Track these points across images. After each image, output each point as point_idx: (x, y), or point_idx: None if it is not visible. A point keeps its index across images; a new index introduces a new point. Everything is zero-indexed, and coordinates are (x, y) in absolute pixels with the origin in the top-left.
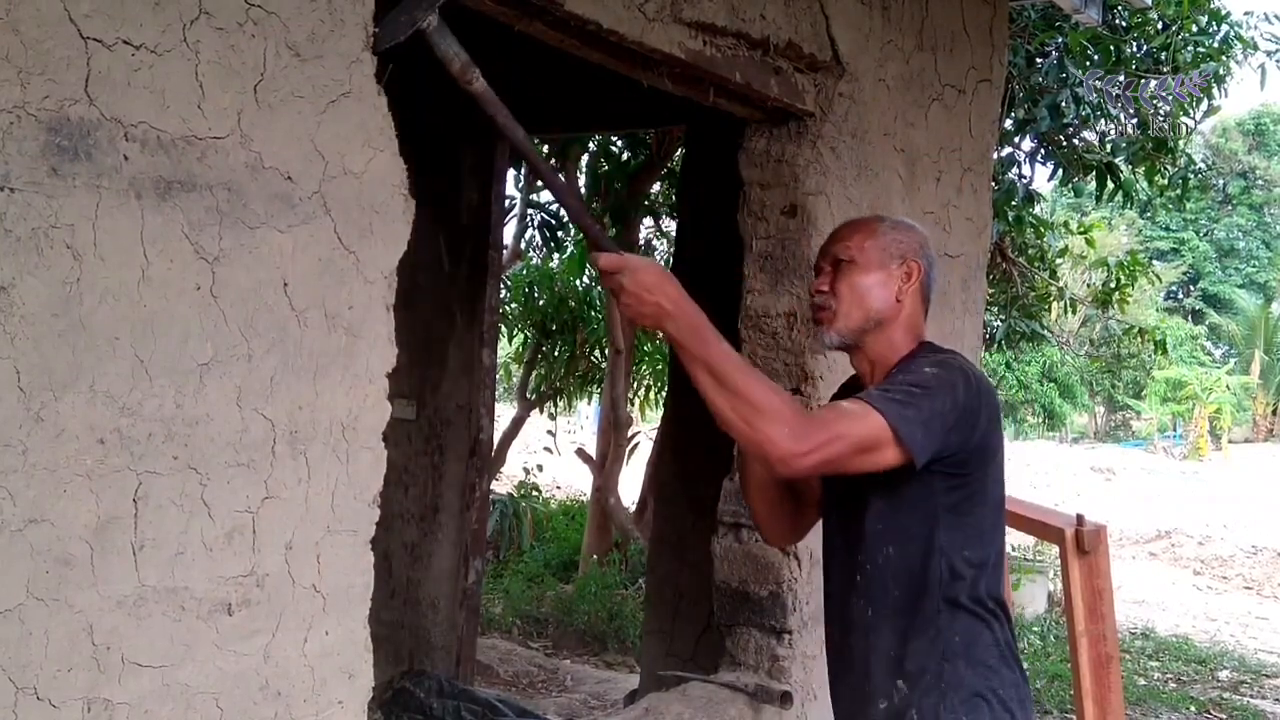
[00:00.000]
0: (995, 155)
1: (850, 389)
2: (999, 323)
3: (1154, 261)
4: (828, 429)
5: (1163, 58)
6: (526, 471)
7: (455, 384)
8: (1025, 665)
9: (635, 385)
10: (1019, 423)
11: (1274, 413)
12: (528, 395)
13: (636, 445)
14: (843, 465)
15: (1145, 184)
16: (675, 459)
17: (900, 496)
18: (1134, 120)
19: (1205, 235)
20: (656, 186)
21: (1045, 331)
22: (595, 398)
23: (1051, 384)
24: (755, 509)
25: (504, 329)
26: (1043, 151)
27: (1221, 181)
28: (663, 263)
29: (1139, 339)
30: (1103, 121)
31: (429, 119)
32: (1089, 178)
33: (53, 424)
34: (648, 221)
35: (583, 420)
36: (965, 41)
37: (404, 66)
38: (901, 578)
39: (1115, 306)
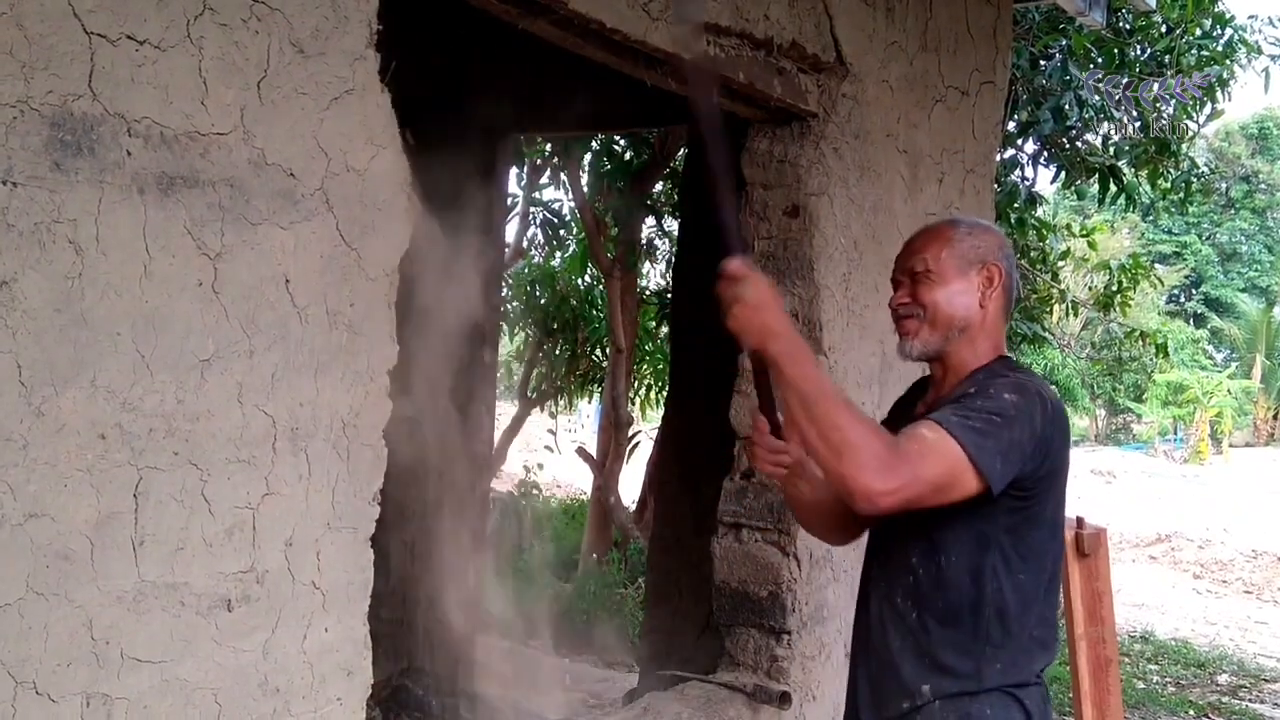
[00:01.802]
0: (998, 157)
1: (919, 391)
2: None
3: (1156, 265)
4: (911, 468)
5: (1166, 61)
6: (527, 470)
7: (456, 382)
8: None
9: (636, 384)
10: None
11: (1275, 417)
12: (529, 394)
13: (637, 444)
14: (923, 503)
15: (1148, 187)
16: (675, 459)
17: (961, 513)
18: (1137, 123)
19: (1208, 239)
20: (659, 186)
21: (1047, 334)
22: (596, 397)
23: (1053, 387)
24: (812, 525)
25: (505, 327)
26: (1045, 154)
27: (1224, 185)
28: (665, 263)
29: (1140, 342)
30: (1106, 124)
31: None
32: (1091, 180)
33: (54, 419)
34: (650, 221)
35: (583, 419)
36: (969, 43)
37: (404, 67)
38: (951, 590)
39: (1117, 309)
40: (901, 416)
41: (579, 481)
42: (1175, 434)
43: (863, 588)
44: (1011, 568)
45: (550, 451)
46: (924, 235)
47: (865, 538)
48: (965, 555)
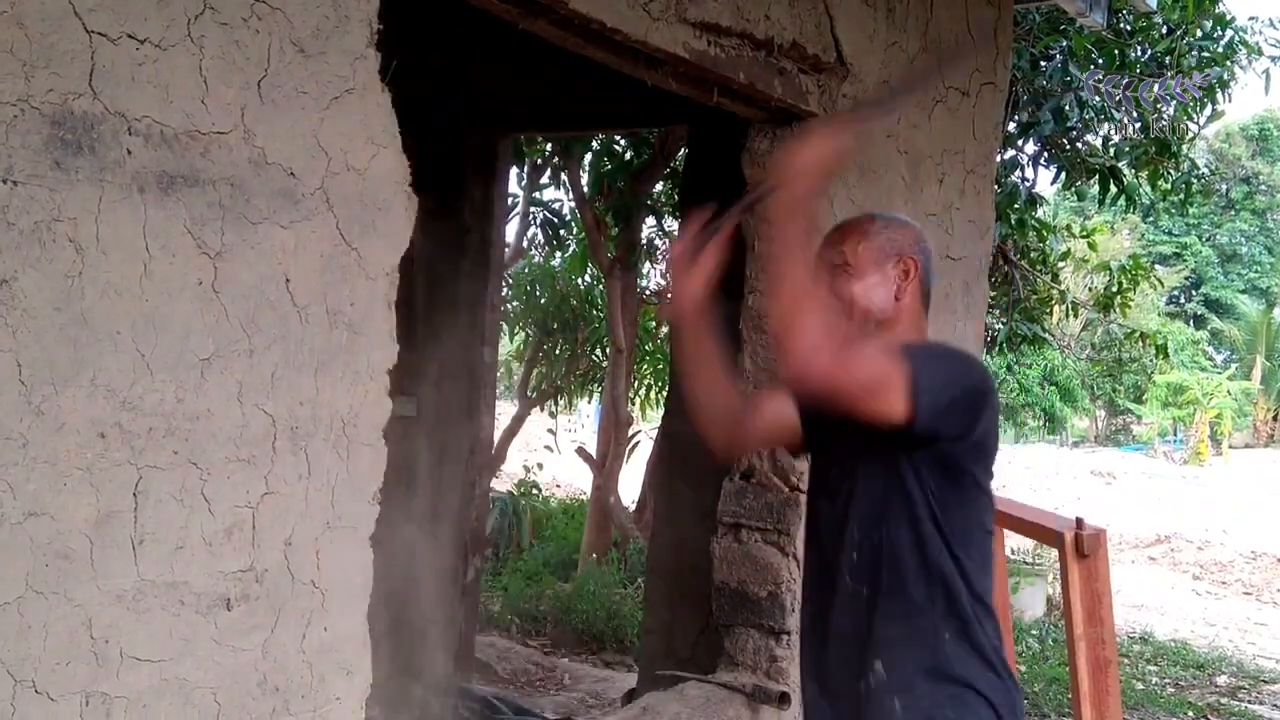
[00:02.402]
0: (998, 158)
1: None
2: (1000, 325)
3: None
4: (850, 353)
5: (1167, 62)
6: (526, 470)
7: (456, 381)
8: (1023, 668)
9: (636, 384)
10: (1019, 426)
11: (1275, 418)
12: (528, 393)
13: (636, 444)
14: (848, 391)
15: (1148, 188)
16: (675, 458)
17: (895, 480)
18: (1137, 124)
19: (1208, 240)
20: (659, 186)
21: (1047, 335)
22: (596, 396)
23: (1052, 387)
24: (702, 406)
25: (505, 327)
26: (1046, 155)
27: (1224, 186)
28: (664, 262)
29: (1140, 343)
30: (1106, 125)
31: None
32: (1092, 181)
33: (53, 418)
34: (650, 221)
35: (583, 419)
36: (969, 44)
37: (407, 64)
38: (893, 563)
39: (1117, 310)
40: None
41: (579, 481)
42: (1175, 435)
43: (807, 570)
44: (952, 540)
45: (550, 451)
46: (842, 229)
47: (803, 524)
48: (906, 525)
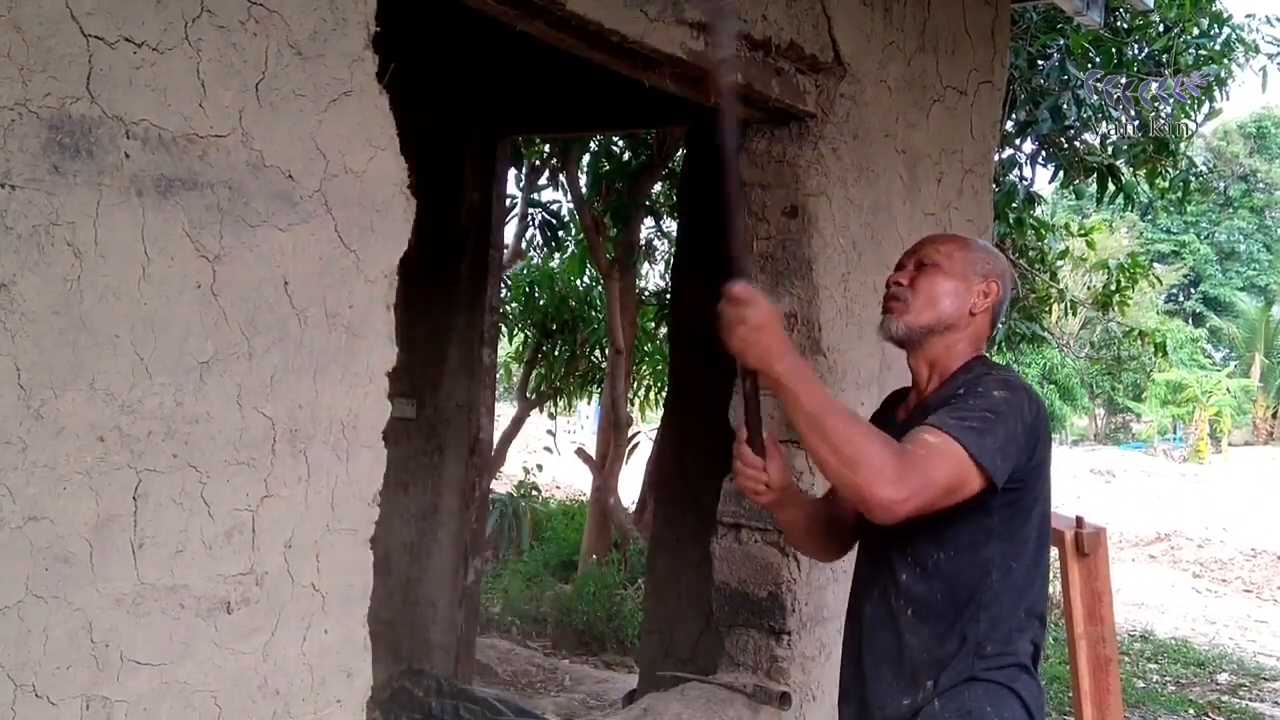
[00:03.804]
0: (996, 157)
1: (896, 400)
2: (999, 324)
3: (1154, 264)
4: (922, 474)
5: (1164, 60)
6: (526, 471)
7: (455, 383)
8: None
9: (635, 385)
10: None
11: (1274, 416)
12: (528, 395)
13: (636, 445)
14: (935, 506)
15: (1146, 186)
16: (675, 459)
17: (963, 508)
18: (1135, 122)
19: (1206, 238)
20: (658, 186)
21: (1046, 333)
22: (595, 398)
23: (1052, 386)
24: (804, 548)
25: (504, 328)
26: (1044, 153)
27: (1222, 184)
28: (664, 263)
29: (1139, 341)
30: (1104, 124)
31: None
32: (1090, 180)
33: (53, 421)
34: (649, 221)
35: (583, 420)
36: (967, 43)
37: (405, 66)
38: (947, 583)
39: (1115, 309)
40: (882, 425)
41: (578, 482)
42: (1174, 433)
43: (856, 589)
44: (1006, 557)
45: (549, 452)
46: (946, 235)
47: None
48: (966, 549)
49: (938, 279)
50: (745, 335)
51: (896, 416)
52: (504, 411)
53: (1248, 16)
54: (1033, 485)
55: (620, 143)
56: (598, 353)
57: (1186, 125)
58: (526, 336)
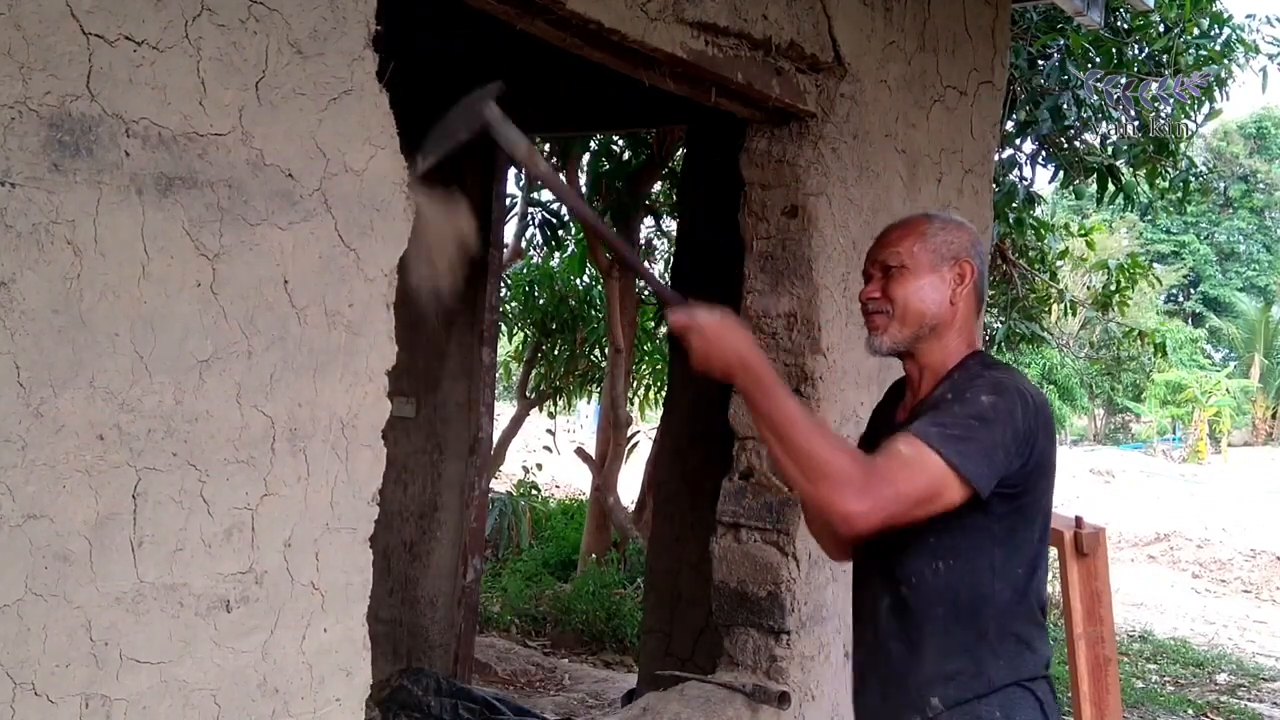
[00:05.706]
0: (996, 157)
1: (897, 394)
2: (999, 324)
3: (1154, 264)
4: (889, 487)
5: (1164, 60)
6: (526, 470)
7: (455, 382)
8: None
9: (635, 385)
10: None
11: (1274, 416)
12: (527, 394)
13: (636, 445)
14: (907, 518)
15: (1146, 187)
16: (675, 459)
17: (957, 517)
18: (1135, 122)
19: (1206, 238)
20: (657, 186)
21: (1045, 334)
22: (595, 397)
23: (1051, 386)
24: (823, 545)
25: (504, 327)
26: (1044, 153)
27: (1222, 185)
28: (663, 263)
29: (1139, 342)
30: (1104, 124)
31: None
32: (1090, 180)
33: (52, 420)
34: (649, 221)
35: (582, 419)
36: (967, 43)
37: (405, 66)
38: (951, 594)
39: (1115, 309)
40: (882, 423)
41: (578, 482)
42: (1174, 433)
43: (859, 603)
44: (1008, 563)
45: (549, 452)
46: (897, 228)
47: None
48: (965, 556)
49: (908, 282)
50: (701, 355)
51: (896, 416)
52: (504, 411)
53: (1248, 17)
54: (1032, 488)
55: (620, 142)
56: (597, 352)
57: (1186, 125)
58: (526, 336)
